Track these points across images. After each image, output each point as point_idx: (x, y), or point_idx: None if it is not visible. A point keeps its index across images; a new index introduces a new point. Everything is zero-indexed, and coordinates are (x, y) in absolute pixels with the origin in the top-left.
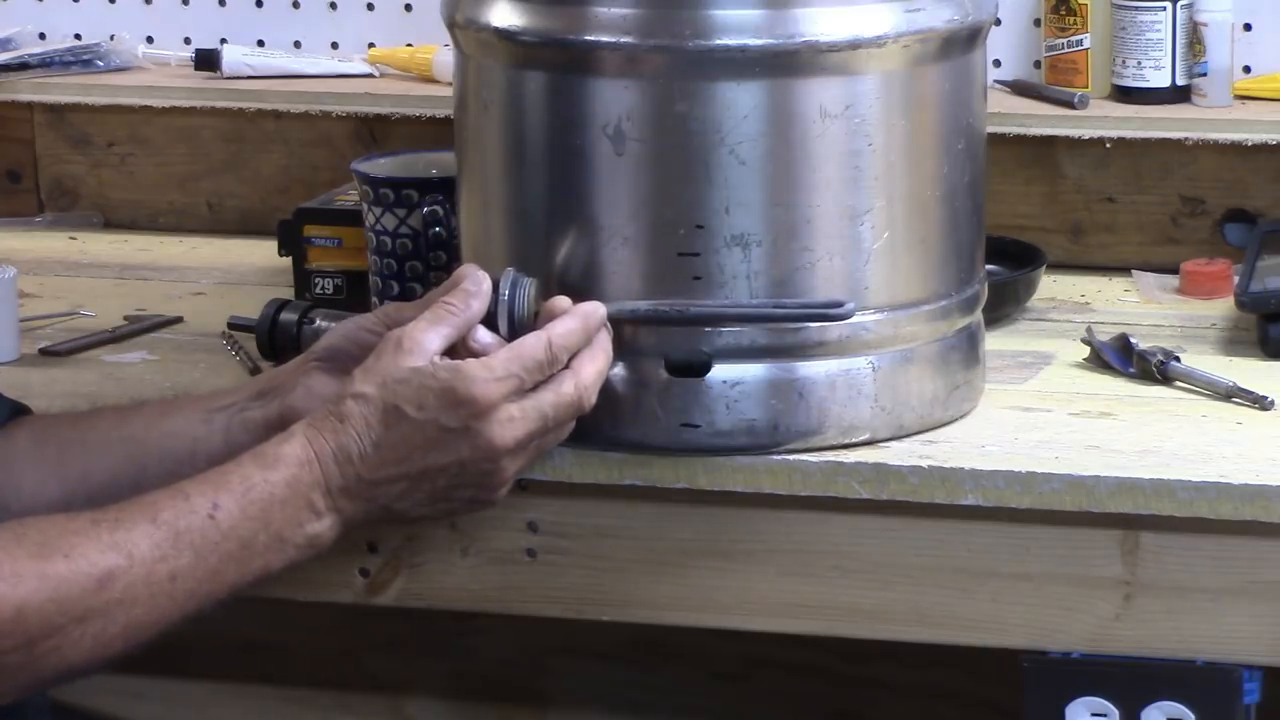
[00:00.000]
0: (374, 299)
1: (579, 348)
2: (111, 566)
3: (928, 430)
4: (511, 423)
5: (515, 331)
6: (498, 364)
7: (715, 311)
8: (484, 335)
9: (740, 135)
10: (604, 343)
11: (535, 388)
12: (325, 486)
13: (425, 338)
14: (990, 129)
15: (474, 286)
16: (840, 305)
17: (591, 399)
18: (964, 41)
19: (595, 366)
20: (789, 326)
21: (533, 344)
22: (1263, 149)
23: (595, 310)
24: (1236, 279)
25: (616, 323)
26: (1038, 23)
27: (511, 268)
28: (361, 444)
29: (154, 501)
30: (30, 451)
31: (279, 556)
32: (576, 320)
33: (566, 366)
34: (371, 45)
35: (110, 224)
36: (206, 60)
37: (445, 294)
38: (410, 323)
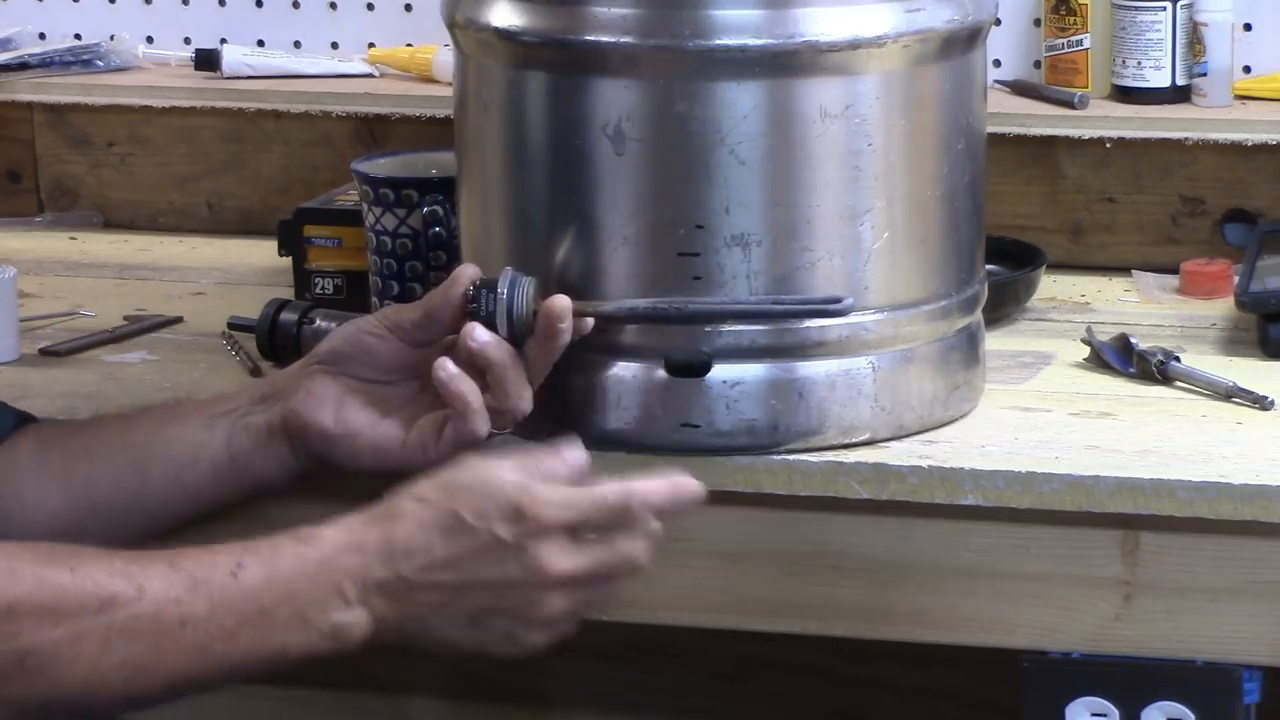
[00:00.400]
0: (374, 299)
1: (659, 511)
2: (117, 592)
3: (928, 430)
4: (564, 553)
5: (513, 333)
6: (569, 493)
7: (714, 309)
8: (482, 334)
9: (740, 135)
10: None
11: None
12: (362, 578)
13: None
14: (990, 129)
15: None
16: (839, 301)
17: (642, 561)
18: (964, 41)
19: (649, 536)
20: (789, 326)
21: (614, 490)
22: (1263, 149)
23: (692, 491)
24: (1236, 279)
25: (616, 321)
26: (1038, 23)
27: (510, 267)
28: (411, 544)
29: (176, 550)
30: (33, 460)
31: (299, 639)
32: (666, 489)
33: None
34: (371, 45)
35: (110, 224)
36: (206, 60)
37: (443, 295)
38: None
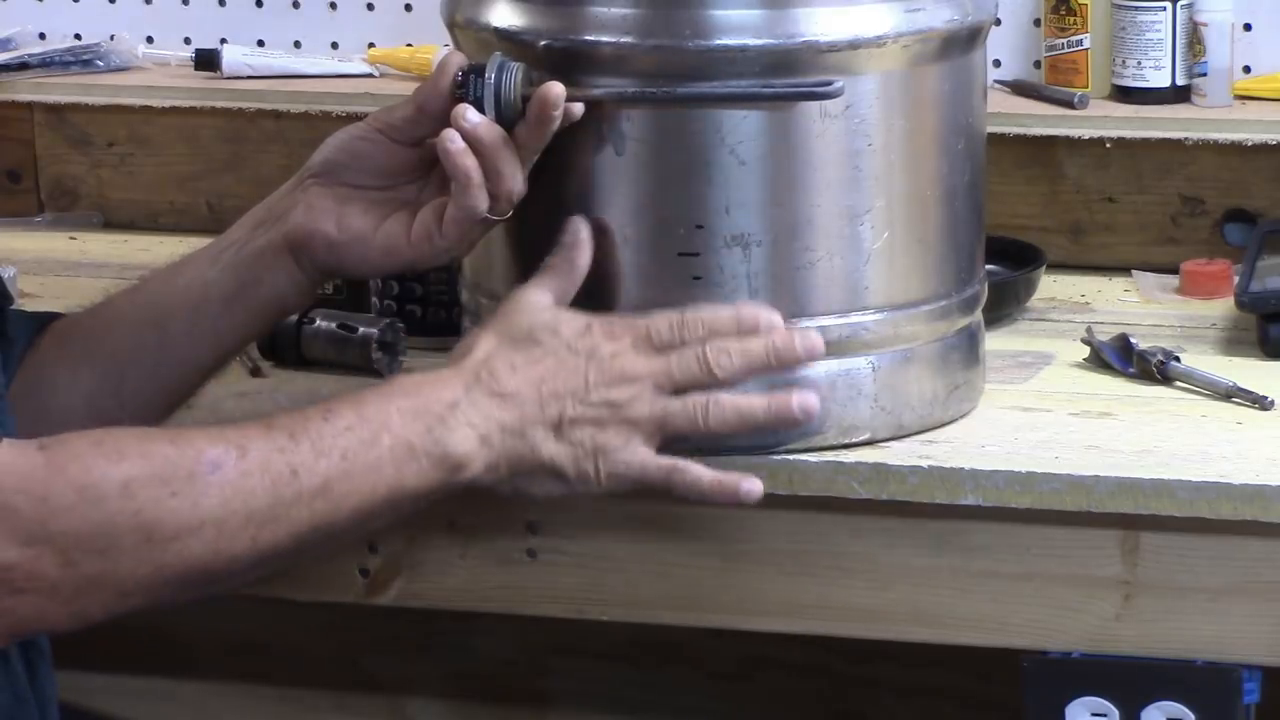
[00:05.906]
0: (374, 299)
1: (715, 332)
2: (221, 454)
3: (928, 430)
4: (638, 357)
5: (501, 116)
6: (629, 318)
7: (703, 92)
8: (473, 115)
9: (740, 135)
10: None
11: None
12: (451, 400)
13: (536, 295)
14: (990, 129)
15: (572, 239)
16: (830, 84)
17: (723, 372)
18: (964, 41)
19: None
20: (789, 327)
21: (673, 313)
22: (1263, 149)
23: (754, 316)
24: (1236, 279)
25: (606, 106)
26: (1038, 23)
27: (499, 52)
28: (492, 363)
29: (264, 418)
30: (55, 350)
31: (413, 468)
32: (728, 312)
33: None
34: (371, 45)
35: (110, 224)
36: (206, 60)
37: (432, 85)
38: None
